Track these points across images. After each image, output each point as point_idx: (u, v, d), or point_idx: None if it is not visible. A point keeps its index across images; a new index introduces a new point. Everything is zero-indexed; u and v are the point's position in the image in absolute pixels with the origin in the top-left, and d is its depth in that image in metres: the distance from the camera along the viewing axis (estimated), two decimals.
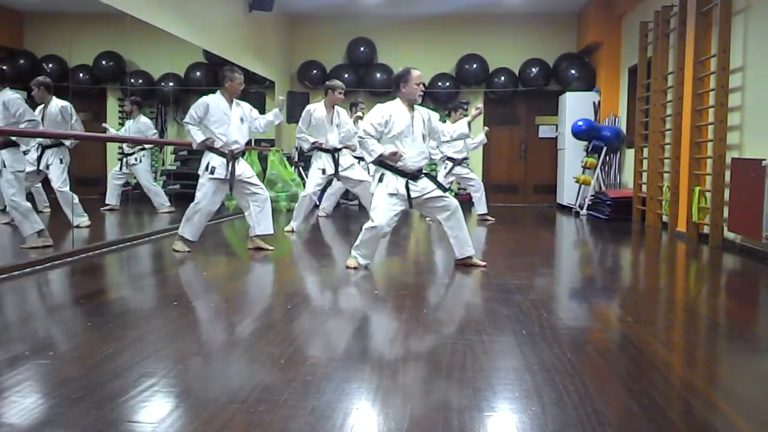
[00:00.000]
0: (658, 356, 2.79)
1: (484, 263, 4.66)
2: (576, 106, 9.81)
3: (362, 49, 10.75)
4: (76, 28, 6.07)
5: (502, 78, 10.56)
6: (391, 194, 4.43)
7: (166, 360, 2.61)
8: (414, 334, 3.07)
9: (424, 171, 4.63)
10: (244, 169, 5.22)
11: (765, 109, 5.45)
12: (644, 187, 8.03)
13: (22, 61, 6.21)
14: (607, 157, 9.38)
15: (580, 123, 9.24)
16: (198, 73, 8.91)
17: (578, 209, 9.14)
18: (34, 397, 2.21)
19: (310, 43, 10.95)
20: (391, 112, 4.45)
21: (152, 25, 6.36)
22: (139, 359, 2.58)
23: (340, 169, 6.50)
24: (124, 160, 7.17)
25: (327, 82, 6.76)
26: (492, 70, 10.63)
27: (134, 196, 7.78)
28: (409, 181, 4.46)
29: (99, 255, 5.14)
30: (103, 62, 7.26)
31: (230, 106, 5.13)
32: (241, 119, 5.19)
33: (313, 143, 6.51)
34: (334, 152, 6.51)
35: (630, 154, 8.91)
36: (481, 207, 8.16)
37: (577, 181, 9.29)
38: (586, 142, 9.46)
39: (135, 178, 7.40)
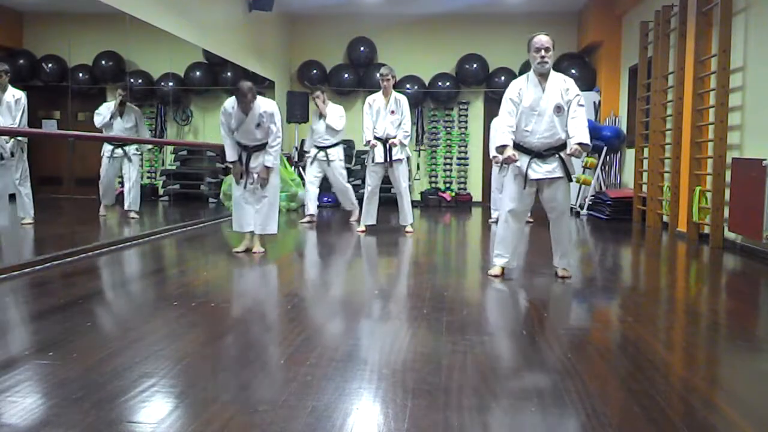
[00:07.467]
0: (658, 356, 2.79)
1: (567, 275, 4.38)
2: None
3: (362, 49, 10.75)
4: (76, 28, 6.06)
5: (502, 78, 10.53)
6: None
7: (166, 360, 2.60)
8: (414, 334, 3.06)
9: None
10: None
11: (765, 108, 5.45)
12: (645, 187, 8.03)
13: (21, 61, 6.21)
14: (608, 157, 9.38)
15: None
16: (198, 73, 8.91)
17: (578, 209, 9.14)
18: (34, 397, 2.21)
19: (310, 43, 10.96)
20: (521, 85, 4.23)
21: (152, 25, 6.35)
22: (139, 359, 2.58)
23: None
24: None
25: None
26: (492, 70, 10.62)
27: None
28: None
29: (96, 256, 5.14)
30: (103, 62, 7.25)
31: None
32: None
33: None
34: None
35: (630, 153, 8.91)
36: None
37: (578, 181, 9.27)
38: None
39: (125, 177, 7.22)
